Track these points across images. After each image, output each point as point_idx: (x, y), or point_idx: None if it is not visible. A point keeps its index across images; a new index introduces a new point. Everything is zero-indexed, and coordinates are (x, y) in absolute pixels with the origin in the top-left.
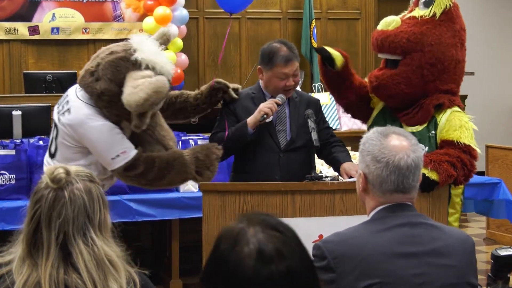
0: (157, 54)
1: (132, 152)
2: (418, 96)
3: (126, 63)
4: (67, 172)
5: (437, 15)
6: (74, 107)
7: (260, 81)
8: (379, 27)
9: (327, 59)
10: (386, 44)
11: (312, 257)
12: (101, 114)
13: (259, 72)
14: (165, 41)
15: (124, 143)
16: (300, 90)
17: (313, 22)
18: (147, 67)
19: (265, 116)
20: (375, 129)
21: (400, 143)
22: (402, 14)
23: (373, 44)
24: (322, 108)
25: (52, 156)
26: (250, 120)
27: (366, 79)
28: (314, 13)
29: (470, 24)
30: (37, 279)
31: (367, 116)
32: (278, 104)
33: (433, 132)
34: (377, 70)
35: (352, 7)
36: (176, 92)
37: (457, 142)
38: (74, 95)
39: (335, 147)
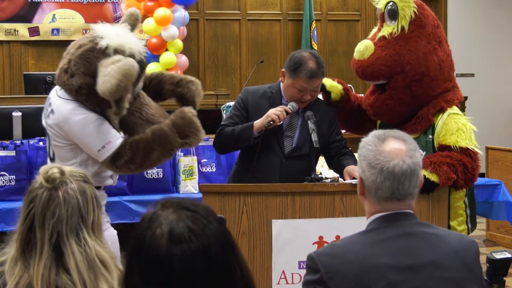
0: (124, 37)
1: (117, 141)
2: (415, 109)
3: (95, 53)
4: (62, 172)
5: (406, 28)
6: (56, 105)
7: (282, 90)
8: (355, 56)
9: (323, 89)
10: (367, 75)
11: (306, 267)
12: (84, 107)
13: (281, 74)
14: (134, 22)
15: (108, 133)
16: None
17: (313, 23)
18: (115, 52)
19: (271, 123)
20: (374, 132)
21: (397, 147)
22: (373, 32)
23: (355, 73)
24: None
25: (52, 160)
26: (257, 123)
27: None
28: (314, 14)
29: (470, 26)
30: (28, 280)
31: (372, 129)
32: (287, 112)
33: (430, 136)
34: (370, 94)
35: (352, 8)
36: (155, 73)
37: (453, 147)
38: (55, 95)
39: (344, 155)
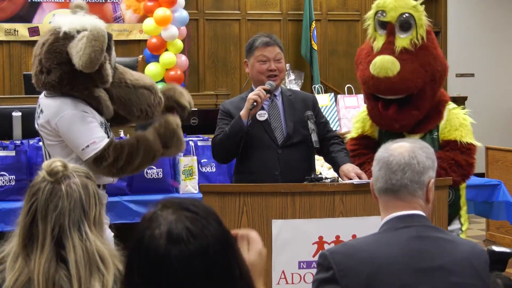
0: (81, 19)
1: (102, 142)
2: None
3: (61, 41)
4: (65, 166)
5: (424, 37)
6: (44, 105)
7: (252, 85)
8: (379, 74)
9: None
10: (401, 90)
11: (316, 265)
12: (72, 100)
13: (245, 66)
14: (79, 8)
15: (94, 133)
16: (295, 89)
17: (313, 23)
18: (78, 33)
19: (254, 104)
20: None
21: (402, 145)
22: (377, 46)
23: (382, 91)
24: (322, 109)
25: None
26: (242, 112)
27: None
28: (314, 14)
29: (470, 26)
30: (28, 276)
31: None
32: (266, 91)
33: (436, 133)
34: (383, 108)
35: (352, 8)
36: None
37: (459, 141)
38: (43, 97)
39: (333, 145)
